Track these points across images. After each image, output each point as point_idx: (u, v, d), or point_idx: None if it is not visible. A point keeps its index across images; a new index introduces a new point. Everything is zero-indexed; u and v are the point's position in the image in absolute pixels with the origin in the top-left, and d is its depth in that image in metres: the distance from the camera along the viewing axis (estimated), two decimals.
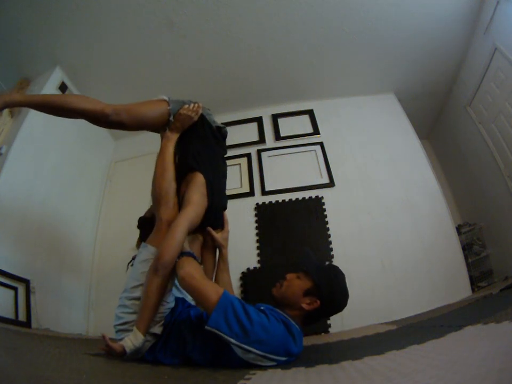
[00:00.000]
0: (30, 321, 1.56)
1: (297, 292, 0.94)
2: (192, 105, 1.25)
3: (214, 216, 1.20)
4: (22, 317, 1.54)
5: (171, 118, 1.23)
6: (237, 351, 0.76)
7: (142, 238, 1.27)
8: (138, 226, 1.34)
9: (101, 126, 1.15)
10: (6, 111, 1.90)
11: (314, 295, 0.93)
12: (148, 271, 0.96)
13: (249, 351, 0.75)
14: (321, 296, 0.92)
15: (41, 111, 1.13)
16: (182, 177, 1.16)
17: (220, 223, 1.30)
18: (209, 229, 1.22)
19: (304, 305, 0.92)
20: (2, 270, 1.52)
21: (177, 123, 1.22)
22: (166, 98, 1.25)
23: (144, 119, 1.20)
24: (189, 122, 1.24)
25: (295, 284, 0.97)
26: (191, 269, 0.87)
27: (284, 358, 0.80)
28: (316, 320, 0.98)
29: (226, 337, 0.74)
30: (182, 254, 0.94)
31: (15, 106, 1.14)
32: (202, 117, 1.29)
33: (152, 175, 1.19)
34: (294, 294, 0.94)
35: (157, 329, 0.91)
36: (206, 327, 0.75)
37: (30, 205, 1.86)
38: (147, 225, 1.23)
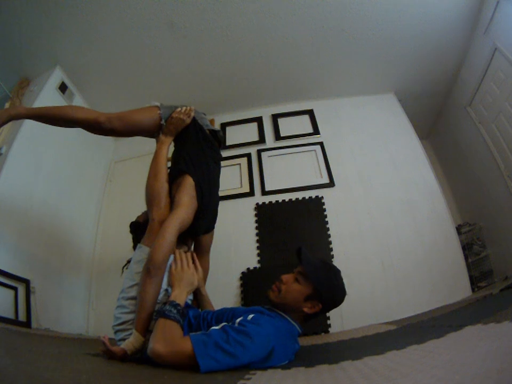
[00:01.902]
0: (30, 321, 1.56)
1: (297, 297, 0.92)
2: (184, 108, 1.28)
3: (205, 219, 1.21)
4: (22, 317, 1.54)
5: (163, 122, 1.27)
6: None
7: (135, 242, 1.28)
8: (131, 232, 1.35)
9: (96, 133, 1.22)
10: None
11: (316, 299, 0.92)
12: (141, 271, 0.96)
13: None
14: (323, 299, 0.92)
15: (43, 122, 1.22)
16: (173, 179, 1.19)
17: (211, 228, 1.34)
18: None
19: (306, 310, 0.92)
20: (2, 270, 1.52)
21: (170, 126, 1.26)
22: (157, 104, 1.30)
23: (136, 125, 1.25)
24: (181, 125, 1.28)
25: (294, 289, 0.93)
26: (156, 346, 0.74)
27: (285, 362, 0.81)
28: (315, 318, 0.99)
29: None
30: (158, 313, 0.85)
31: (19, 118, 1.24)
32: (194, 120, 1.32)
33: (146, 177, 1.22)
34: (295, 299, 0.92)
35: None
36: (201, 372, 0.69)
37: (30, 205, 1.87)
38: (139, 229, 1.24)
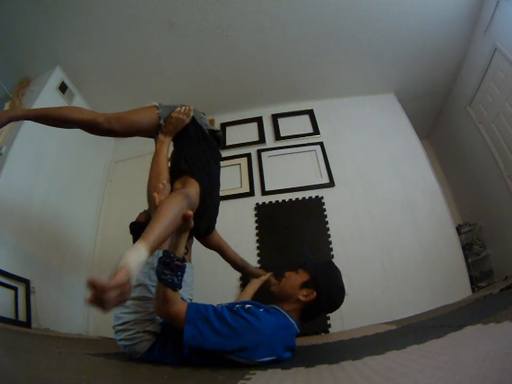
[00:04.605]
0: (30, 321, 1.56)
1: (294, 284, 0.99)
2: (183, 107, 1.28)
3: (205, 219, 1.21)
4: (22, 317, 1.54)
5: (161, 122, 1.26)
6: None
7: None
8: (131, 232, 1.35)
9: (94, 134, 1.21)
10: None
11: (311, 287, 0.97)
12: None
13: (238, 361, 0.77)
14: (318, 287, 0.96)
15: (41, 123, 1.22)
16: (174, 179, 1.18)
17: (212, 228, 1.35)
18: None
19: (301, 297, 0.96)
20: (2, 270, 1.52)
21: (170, 126, 1.25)
22: (156, 104, 1.29)
23: (135, 125, 1.24)
24: (181, 125, 1.27)
25: (293, 278, 1.02)
26: (155, 310, 0.85)
27: (273, 357, 0.81)
28: (314, 316, 1.01)
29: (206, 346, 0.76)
30: (156, 273, 0.80)
31: (18, 120, 1.24)
32: (193, 119, 1.31)
33: (148, 178, 1.21)
34: (292, 286, 0.99)
35: (156, 328, 0.91)
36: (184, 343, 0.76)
37: (30, 205, 1.86)
38: (139, 229, 1.24)
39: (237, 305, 0.87)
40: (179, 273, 0.79)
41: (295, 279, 1.01)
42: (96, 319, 2.14)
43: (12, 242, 1.68)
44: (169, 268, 0.78)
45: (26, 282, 1.63)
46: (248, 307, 0.86)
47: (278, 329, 0.85)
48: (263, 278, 1.44)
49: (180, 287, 0.81)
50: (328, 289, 0.97)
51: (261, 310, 0.87)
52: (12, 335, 1.16)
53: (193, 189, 1.09)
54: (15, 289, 1.56)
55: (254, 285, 1.41)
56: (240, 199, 2.37)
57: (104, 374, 0.71)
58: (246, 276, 1.63)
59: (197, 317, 0.78)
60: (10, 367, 0.58)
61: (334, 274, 1.02)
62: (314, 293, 0.96)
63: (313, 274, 0.99)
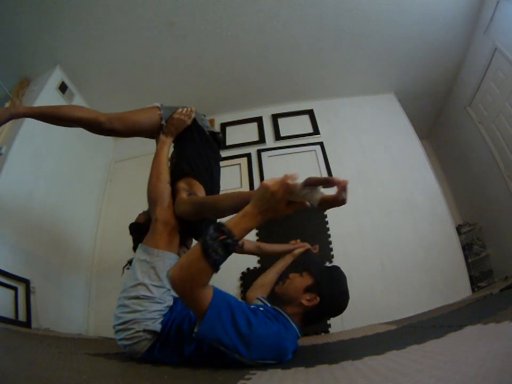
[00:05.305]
0: (30, 321, 1.56)
1: (298, 287, 0.98)
2: (185, 109, 1.29)
3: (205, 220, 1.21)
4: (22, 317, 1.54)
5: (163, 122, 1.27)
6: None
7: (135, 243, 1.28)
8: (131, 233, 1.35)
9: (96, 133, 1.22)
10: None
11: (315, 292, 0.95)
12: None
13: (249, 364, 0.75)
14: (321, 293, 0.95)
15: (42, 121, 1.23)
16: (175, 180, 1.19)
17: None
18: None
19: (303, 301, 0.94)
20: (2, 270, 1.52)
21: (171, 127, 1.27)
22: (158, 104, 1.31)
23: (136, 125, 1.26)
24: (182, 126, 1.28)
25: (296, 281, 1.01)
26: (175, 281, 0.66)
27: (289, 357, 0.82)
28: (316, 320, 1.00)
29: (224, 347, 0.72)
30: (202, 241, 0.66)
31: (19, 117, 1.26)
32: (195, 121, 1.32)
33: (148, 178, 1.22)
34: (295, 289, 0.98)
35: (156, 327, 0.91)
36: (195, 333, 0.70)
37: (30, 205, 1.86)
38: (139, 230, 1.24)
39: (252, 306, 0.86)
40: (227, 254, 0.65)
41: (299, 281, 1.00)
42: (96, 319, 2.14)
43: (12, 242, 1.68)
44: (227, 250, 0.63)
45: (26, 282, 1.63)
46: (263, 310, 0.86)
47: (288, 340, 0.85)
48: (296, 252, 1.43)
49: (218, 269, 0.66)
50: (332, 295, 0.96)
51: (270, 315, 0.87)
52: (12, 335, 1.16)
53: (200, 193, 1.13)
54: (15, 289, 1.56)
55: (286, 261, 1.41)
56: None
57: (104, 374, 0.71)
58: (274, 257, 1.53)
59: (222, 305, 0.71)
60: (10, 367, 0.58)
61: (338, 279, 1.01)
62: (318, 298, 0.94)
63: (317, 279, 0.97)
